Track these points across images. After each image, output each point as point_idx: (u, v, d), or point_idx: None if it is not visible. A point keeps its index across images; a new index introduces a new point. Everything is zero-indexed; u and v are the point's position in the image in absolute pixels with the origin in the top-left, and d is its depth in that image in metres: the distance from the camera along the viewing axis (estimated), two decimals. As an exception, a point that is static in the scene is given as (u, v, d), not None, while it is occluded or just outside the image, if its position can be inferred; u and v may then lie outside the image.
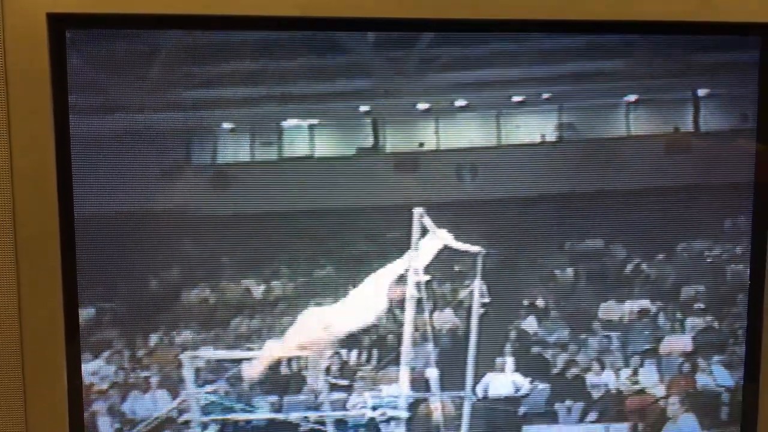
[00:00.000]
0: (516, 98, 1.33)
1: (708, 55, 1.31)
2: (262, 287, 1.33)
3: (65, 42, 1.11)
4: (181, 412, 1.34)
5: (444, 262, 1.36)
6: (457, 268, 1.38)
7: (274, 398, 1.35)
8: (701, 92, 1.33)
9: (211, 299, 1.32)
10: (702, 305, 1.38)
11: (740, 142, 1.33)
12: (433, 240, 1.32)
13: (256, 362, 1.28)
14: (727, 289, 1.37)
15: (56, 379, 1.19)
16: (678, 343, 1.39)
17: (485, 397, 1.38)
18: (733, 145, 1.34)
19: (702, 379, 1.40)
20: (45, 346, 1.18)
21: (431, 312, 1.37)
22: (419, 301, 1.36)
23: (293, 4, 1.15)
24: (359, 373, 1.36)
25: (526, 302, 1.39)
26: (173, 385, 1.34)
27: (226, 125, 1.29)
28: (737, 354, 1.38)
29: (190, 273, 1.30)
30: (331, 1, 1.16)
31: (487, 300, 1.38)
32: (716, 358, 1.39)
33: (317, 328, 1.30)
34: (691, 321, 1.39)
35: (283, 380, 1.35)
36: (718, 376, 1.39)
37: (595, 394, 1.40)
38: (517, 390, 1.37)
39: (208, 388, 1.34)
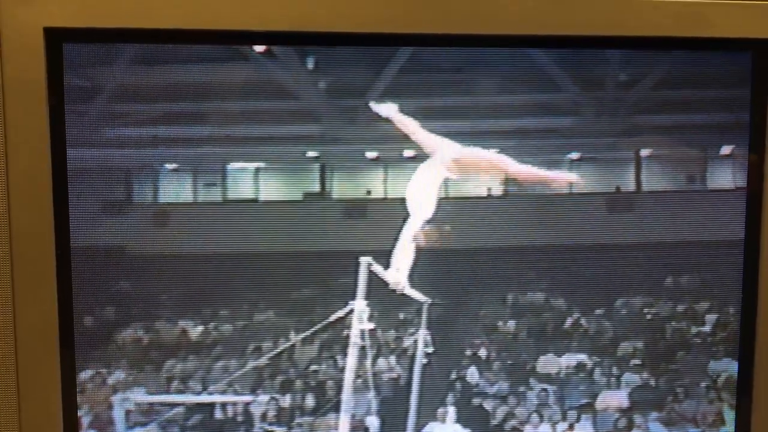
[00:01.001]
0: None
1: (652, 116, 1.14)
2: (200, 329, 1.09)
3: (62, 56, 0.95)
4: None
5: (389, 310, 1.14)
6: (401, 316, 1.16)
7: None
8: (644, 152, 1.14)
9: (146, 339, 1.08)
10: (639, 361, 1.16)
11: (682, 202, 1.15)
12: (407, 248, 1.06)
13: None
14: (665, 346, 1.17)
15: (50, 385, 0.99)
16: (614, 398, 1.18)
17: None
18: (675, 205, 1.15)
19: (638, 436, 1.11)
20: (39, 352, 0.98)
21: (374, 360, 1.14)
22: (362, 349, 1.13)
23: (283, 18, 0.97)
24: (296, 420, 1.05)
25: (468, 352, 1.17)
26: (103, 426, 1.07)
27: (169, 165, 1.06)
28: (675, 411, 1.16)
29: (126, 312, 1.07)
30: (319, 16, 0.97)
31: (430, 350, 1.16)
32: (653, 415, 1.17)
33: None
34: (627, 377, 1.18)
35: (215, 425, 1.09)
36: (654, 432, 1.11)
37: None
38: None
39: (138, 430, 1.08)
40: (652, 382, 1.15)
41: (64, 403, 0.99)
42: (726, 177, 1.10)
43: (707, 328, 1.12)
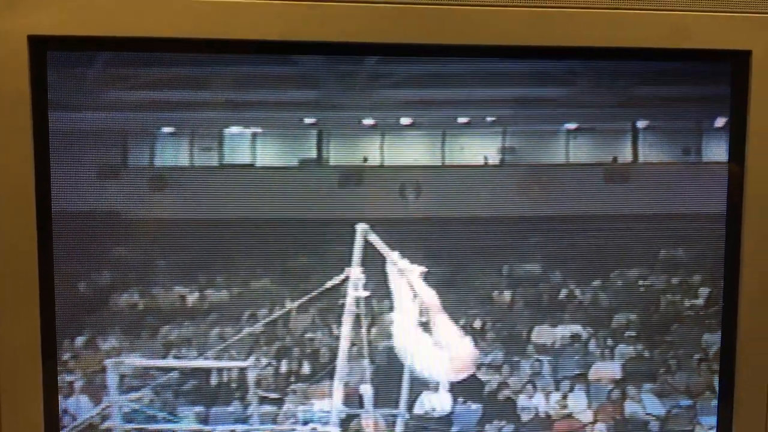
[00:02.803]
0: (461, 119, 1.14)
1: (650, 88, 1.14)
2: (196, 295, 1.09)
3: (46, 64, 0.95)
4: (103, 418, 1.09)
5: (384, 279, 1.14)
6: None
7: (200, 409, 1.10)
8: (641, 123, 1.14)
9: (142, 305, 1.09)
10: (633, 333, 1.17)
11: (678, 174, 1.16)
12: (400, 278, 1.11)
13: None
14: (660, 318, 1.18)
15: (33, 395, 1.00)
16: (608, 369, 1.20)
17: (419, 416, 1.15)
18: (671, 177, 1.16)
19: (631, 407, 1.19)
20: (21, 360, 0.99)
21: (368, 328, 1.14)
22: (357, 317, 1.13)
23: (273, 29, 0.98)
24: (291, 387, 1.09)
25: (462, 322, 1.16)
26: (96, 391, 1.08)
27: (166, 129, 1.06)
28: (668, 383, 1.18)
29: (122, 277, 1.08)
30: (309, 27, 0.99)
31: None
32: (647, 386, 1.18)
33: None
34: (621, 348, 1.19)
35: (210, 390, 1.09)
36: (647, 404, 1.19)
37: (525, 417, 1.18)
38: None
39: (132, 395, 1.09)
40: (646, 354, 1.15)
41: (45, 413, 1.01)
42: (721, 150, 1.11)
43: (701, 301, 1.13)
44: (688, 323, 1.15)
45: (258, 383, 1.09)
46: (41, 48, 0.93)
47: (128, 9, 0.95)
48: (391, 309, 1.15)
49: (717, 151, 1.13)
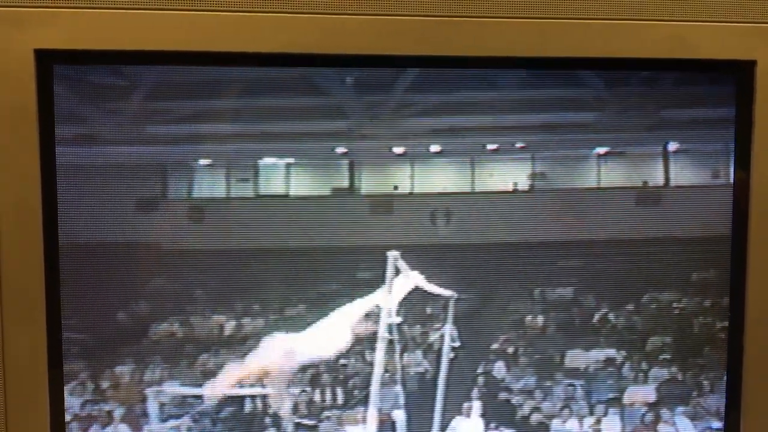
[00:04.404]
0: (490, 146, 1.15)
1: (681, 111, 1.15)
2: (233, 323, 1.11)
3: (53, 77, 0.94)
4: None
5: (416, 305, 1.16)
6: (428, 311, 1.17)
7: None
8: (672, 147, 1.15)
9: (180, 333, 1.11)
10: (667, 356, 1.17)
11: (710, 197, 1.16)
12: (405, 280, 1.12)
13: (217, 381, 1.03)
14: (693, 341, 1.18)
15: (39, 406, 1.00)
16: (641, 393, 1.19)
17: None
18: (703, 200, 1.16)
19: (665, 430, 1.18)
20: (27, 374, 0.99)
21: (401, 354, 1.15)
22: (390, 342, 1.15)
23: (276, 41, 0.99)
24: (325, 413, 1.10)
25: (495, 347, 1.17)
26: (136, 420, 1.10)
27: (203, 161, 1.08)
28: (701, 405, 1.18)
29: (161, 306, 1.10)
30: (312, 39, 0.99)
31: (457, 344, 1.17)
32: (680, 409, 1.18)
33: (279, 353, 1.07)
34: (655, 371, 1.19)
35: (247, 418, 1.11)
36: (681, 427, 1.19)
37: None
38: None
39: (171, 423, 1.10)
40: (679, 377, 1.15)
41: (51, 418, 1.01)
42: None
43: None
44: (720, 345, 1.14)
45: (294, 409, 1.10)
46: (48, 61, 0.93)
47: (135, 23, 0.95)
48: (423, 334, 1.15)
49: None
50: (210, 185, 1.07)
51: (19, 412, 0.99)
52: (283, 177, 1.08)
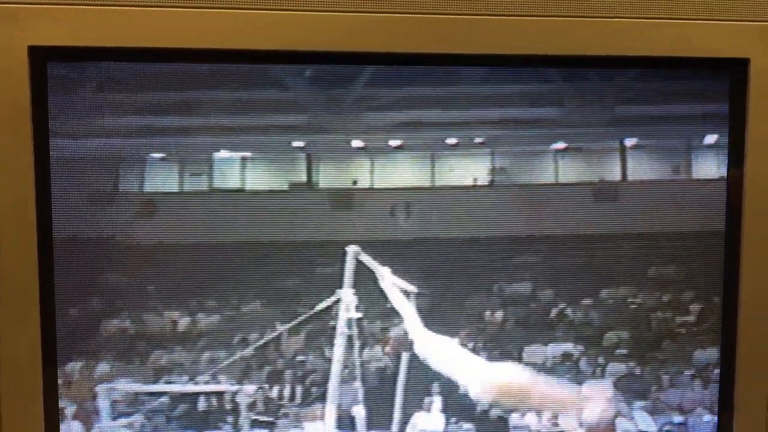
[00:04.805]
0: (450, 141, 1.13)
1: (638, 107, 1.13)
2: (187, 320, 1.07)
3: (46, 74, 0.93)
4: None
5: (376, 300, 1.13)
6: (389, 306, 1.14)
7: None
8: (629, 142, 1.12)
9: (133, 330, 1.07)
10: (624, 351, 1.15)
11: (668, 192, 1.14)
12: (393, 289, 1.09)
13: None
14: (651, 336, 1.16)
15: (33, 405, 0.98)
16: (599, 387, 1.17)
17: None
18: (660, 195, 1.14)
19: (623, 425, 1.16)
20: (21, 369, 0.96)
21: (361, 349, 1.13)
22: (349, 338, 1.12)
23: (273, 38, 0.97)
24: (283, 410, 1.08)
25: (456, 342, 1.15)
26: (87, 417, 1.06)
27: (156, 155, 1.05)
28: (660, 400, 1.16)
29: (112, 302, 1.06)
30: (310, 36, 0.97)
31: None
32: (638, 404, 1.16)
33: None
34: (613, 366, 1.17)
35: (201, 415, 1.08)
36: (639, 421, 1.17)
37: None
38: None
39: (123, 421, 1.06)
40: (637, 372, 1.13)
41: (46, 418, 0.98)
42: (710, 167, 1.09)
43: (692, 318, 1.11)
44: (679, 340, 1.12)
45: (250, 407, 1.06)
46: (42, 58, 0.92)
47: (129, 20, 0.93)
48: (386, 328, 1.12)
49: (706, 169, 1.12)
50: (163, 179, 1.01)
51: (13, 411, 0.97)
52: (238, 171, 1.04)
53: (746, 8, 1.00)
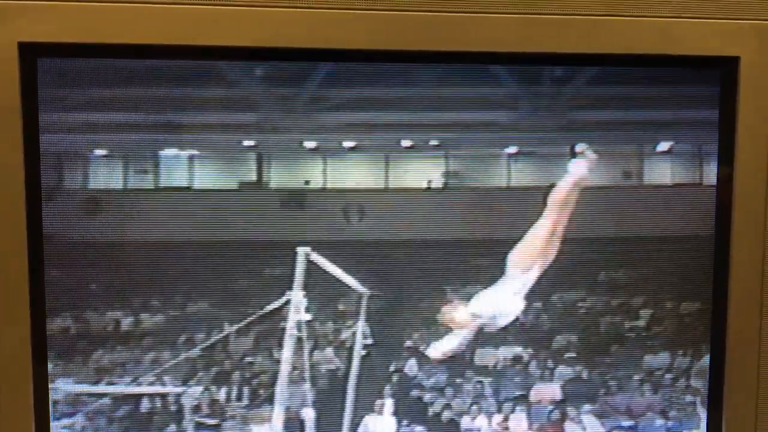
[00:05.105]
0: (405, 143, 1.10)
1: (591, 112, 1.12)
2: (130, 319, 1.04)
3: (36, 70, 0.92)
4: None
5: (327, 302, 1.11)
6: (340, 308, 1.12)
7: None
8: (579, 148, 1.11)
9: (74, 329, 1.03)
10: (573, 355, 1.14)
11: (620, 197, 1.13)
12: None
13: None
14: (600, 339, 1.15)
15: (23, 403, 0.95)
16: (548, 391, 1.16)
17: None
18: (612, 200, 1.13)
19: (571, 428, 1.16)
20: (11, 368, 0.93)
21: (311, 351, 1.11)
22: (299, 340, 1.09)
23: (260, 34, 0.95)
24: (229, 412, 1.06)
25: (408, 344, 1.13)
26: None
27: (100, 151, 1.01)
28: (608, 404, 1.15)
29: (54, 301, 1.01)
30: (293, 33, 0.95)
31: (369, 341, 1.13)
32: (586, 407, 1.15)
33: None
34: (561, 370, 1.16)
35: (144, 417, 1.05)
36: (587, 425, 1.15)
37: None
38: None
39: (64, 422, 1.03)
40: (585, 375, 1.12)
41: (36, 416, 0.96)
42: (664, 173, 1.08)
43: (641, 323, 1.10)
44: (628, 344, 1.11)
45: (195, 409, 1.03)
46: (32, 54, 0.91)
47: (119, 16, 0.92)
48: (335, 331, 1.09)
49: (660, 174, 1.12)
50: (106, 176, 0.98)
51: (4, 409, 0.93)
52: (186, 169, 1.00)
53: (736, 6, 0.99)
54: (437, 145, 1.10)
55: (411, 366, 1.15)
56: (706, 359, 1.08)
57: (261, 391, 1.07)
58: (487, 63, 1.03)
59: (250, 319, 1.04)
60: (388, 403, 1.13)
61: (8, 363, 0.93)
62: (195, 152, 1.02)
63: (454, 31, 0.97)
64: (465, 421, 1.15)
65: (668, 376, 1.11)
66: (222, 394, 1.06)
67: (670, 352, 1.11)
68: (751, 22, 0.99)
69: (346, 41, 0.95)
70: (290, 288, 1.05)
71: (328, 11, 0.94)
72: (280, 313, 1.06)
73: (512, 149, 1.11)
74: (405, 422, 1.13)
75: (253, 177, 1.04)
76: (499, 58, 1.01)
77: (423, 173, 1.11)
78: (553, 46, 0.98)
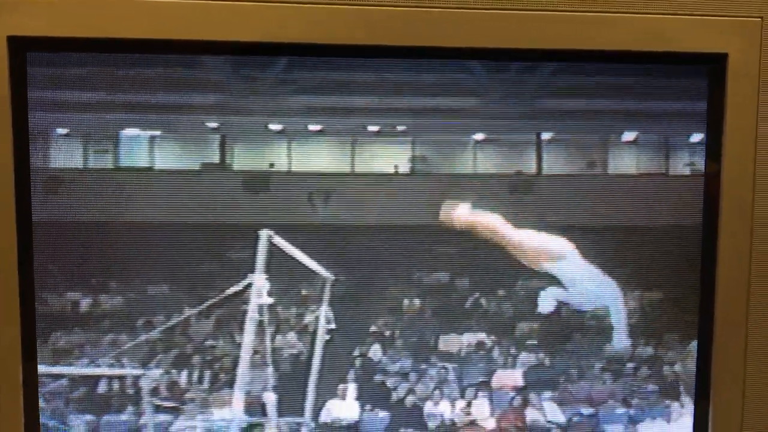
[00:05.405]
0: (371, 128, 1.08)
1: (555, 100, 1.10)
2: (89, 301, 1.02)
3: (26, 64, 0.91)
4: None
5: (291, 286, 1.09)
6: (304, 292, 1.10)
7: (90, 418, 1.02)
8: (546, 136, 1.11)
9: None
10: (535, 342, 1.13)
11: (583, 185, 1.12)
12: None
13: None
14: (562, 327, 1.14)
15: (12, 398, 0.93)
16: (510, 377, 1.16)
17: (325, 424, 1.10)
18: (575, 188, 1.12)
19: (532, 414, 1.14)
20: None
21: (273, 335, 1.09)
22: (260, 323, 1.08)
23: (253, 29, 0.93)
24: (188, 395, 1.03)
25: (373, 329, 1.12)
26: None
27: (60, 129, 0.99)
28: (569, 391, 1.14)
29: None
30: (291, 29, 0.94)
31: (332, 326, 1.11)
32: (547, 394, 1.14)
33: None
34: (523, 356, 1.15)
35: (102, 399, 1.02)
36: (548, 411, 1.14)
37: (432, 424, 1.14)
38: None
39: (20, 404, 0.97)
40: (547, 362, 1.12)
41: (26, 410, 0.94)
42: (629, 163, 1.07)
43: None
44: (589, 333, 1.10)
45: (154, 391, 1.00)
46: (21, 48, 0.90)
47: (109, 10, 0.90)
48: (298, 316, 1.07)
49: (623, 163, 1.11)
50: (66, 155, 0.95)
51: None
52: (147, 150, 0.97)
53: (724, 3, 0.99)
54: (404, 131, 1.06)
55: (375, 351, 1.13)
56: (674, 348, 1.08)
57: (222, 375, 1.05)
58: (472, 59, 1.03)
59: (211, 301, 1.02)
60: (351, 388, 1.12)
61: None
62: (157, 133, 0.99)
63: (439, 26, 0.96)
64: (428, 407, 1.13)
65: (630, 365, 1.10)
66: (182, 378, 1.03)
67: (633, 341, 1.10)
68: (740, 19, 0.99)
69: (325, 36, 0.95)
70: (252, 271, 1.02)
71: (307, 6, 0.93)
72: (241, 297, 1.03)
73: (479, 136, 1.07)
74: (368, 407, 1.11)
75: (216, 159, 1.01)
76: (484, 55, 1.01)
77: (390, 158, 1.09)
78: (537, 42, 0.98)
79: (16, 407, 0.94)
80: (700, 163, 1.05)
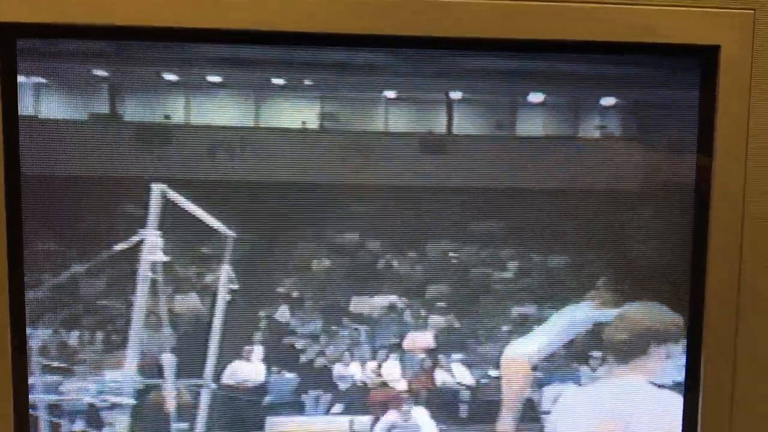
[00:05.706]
0: (276, 81, 1.03)
1: (467, 60, 1.05)
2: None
3: (15, 51, 0.89)
4: None
5: (189, 244, 1.04)
6: (203, 251, 1.05)
7: None
8: (454, 96, 1.07)
9: None
10: (444, 304, 1.11)
11: (491, 147, 1.09)
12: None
13: None
14: (470, 290, 1.12)
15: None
16: (420, 339, 1.13)
17: (228, 386, 1.07)
18: (484, 150, 1.09)
19: (441, 376, 1.14)
20: None
21: (170, 295, 1.05)
22: (154, 282, 1.02)
23: (250, 17, 0.91)
24: (79, 356, 1.00)
25: (281, 291, 1.08)
26: None
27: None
28: (477, 353, 1.13)
29: None
30: (286, 17, 0.91)
31: (235, 286, 1.06)
32: (456, 356, 1.12)
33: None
34: (433, 319, 1.12)
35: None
36: (457, 373, 1.13)
37: (342, 386, 1.12)
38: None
39: None
40: (456, 324, 1.10)
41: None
42: (536, 124, 1.03)
43: (509, 274, 1.07)
44: (498, 295, 1.07)
45: (42, 351, 0.94)
46: (11, 35, 0.89)
47: None
48: (198, 275, 1.02)
49: (530, 125, 1.08)
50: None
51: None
52: (32, 97, 0.90)
53: None
54: (312, 85, 1.00)
55: (283, 312, 1.09)
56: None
57: (114, 337, 0.99)
58: (468, 49, 1.00)
59: (99, 258, 0.96)
60: (258, 350, 1.08)
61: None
62: (42, 80, 0.91)
63: (439, 15, 0.94)
64: (338, 368, 1.10)
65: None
66: (72, 338, 0.97)
67: (537, 304, 1.08)
68: (732, 10, 0.98)
69: (326, 24, 0.92)
70: (144, 227, 0.96)
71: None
72: (134, 254, 0.97)
73: (391, 94, 1.02)
74: (275, 369, 1.07)
75: (106, 109, 0.94)
76: (480, 45, 0.97)
77: (297, 114, 1.04)
78: (528, 32, 0.96)
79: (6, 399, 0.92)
80: (611, 126, 1.02)
